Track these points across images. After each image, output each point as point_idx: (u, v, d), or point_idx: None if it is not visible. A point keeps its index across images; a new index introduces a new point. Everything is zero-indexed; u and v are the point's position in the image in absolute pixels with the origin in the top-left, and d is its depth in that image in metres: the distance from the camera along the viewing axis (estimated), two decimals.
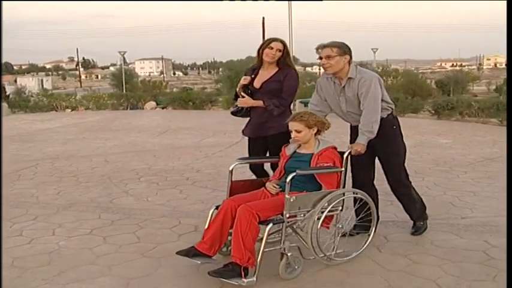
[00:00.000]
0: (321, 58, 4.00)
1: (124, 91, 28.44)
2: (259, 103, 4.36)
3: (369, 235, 4.03)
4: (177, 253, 3.60)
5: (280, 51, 4.30)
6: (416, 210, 4.43)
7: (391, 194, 4.49)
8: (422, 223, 4.44)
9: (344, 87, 4.04)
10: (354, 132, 4.20)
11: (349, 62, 4.00)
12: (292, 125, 3.79)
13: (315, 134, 3.81)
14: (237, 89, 4.51)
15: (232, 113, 4.60)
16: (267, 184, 3.82)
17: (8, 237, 4.54)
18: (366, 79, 3.96)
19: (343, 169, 3.74)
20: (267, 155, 4.49)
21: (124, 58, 41.94)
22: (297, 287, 3.44)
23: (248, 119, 4.59)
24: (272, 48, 4.28)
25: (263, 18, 41.61)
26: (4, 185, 6.58)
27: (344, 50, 3.95)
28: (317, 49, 4.02)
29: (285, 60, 4.34)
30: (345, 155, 3.80)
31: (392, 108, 4.18)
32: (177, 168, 7.58)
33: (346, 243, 3.88)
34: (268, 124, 4.37)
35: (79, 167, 7.69)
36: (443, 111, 14.05)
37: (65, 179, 6.90)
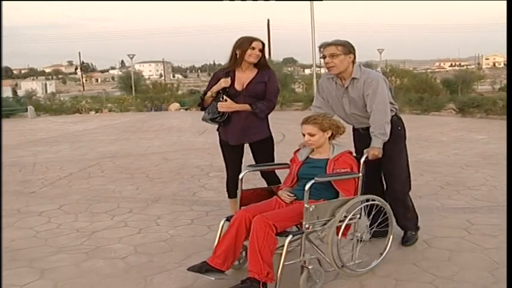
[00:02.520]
0: (324, 57, 3.78)
1: (133, 94, 28.76)
2: (246, 107, 4.01)
3: (388, 240, 3.80)
4: (189, 269, 3.36)
5: (260, 51, 3.99)
6: (411, 219, 4.17)
7: None
8: (414, 233, 4.17)
9: (347, 88, 3.83)
10: (358, 135, 4.02)
11: (353, 62, 3.81)
12: (305, 128, 3.55)
13: (329, 138, 3.59)
14: (210, 92, 4.08)
15: (210, 120, 4.09)
16: (280, 193, 3.58)
17: (116, 228, 4.83)
18: (373, 79, 3.74)
19: (360, 175, 3.50)
20: (253, 162, 4.16)
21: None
22: None
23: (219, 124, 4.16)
24: (254, 49, 3.97)
25: (268, 20, 41.99)
26: (76, 180, 6.89)
27: (349, 48, 3.76)
28: (320, 47, 3.82)
29: (263, 60, 4.05)
30: (362, 160, 3.56)
31: (396, 109, 3.97)
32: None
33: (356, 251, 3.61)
34: (252, 130, 4.07)
35: (142, 165, 7.99)
36: (468, 109, 14.39)
37: (136, 175, 7.20)
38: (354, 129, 4.08)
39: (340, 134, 3.65)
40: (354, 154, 3.71)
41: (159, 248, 4.24)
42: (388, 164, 3.92)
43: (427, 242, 4.19)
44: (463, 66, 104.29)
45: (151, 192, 6.17)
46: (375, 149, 3.65)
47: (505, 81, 46.50)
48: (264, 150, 4.11)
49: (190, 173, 7.25)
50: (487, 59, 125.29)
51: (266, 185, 4.08)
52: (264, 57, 4.07)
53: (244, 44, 3.98)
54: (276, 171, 4.14)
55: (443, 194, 5.85)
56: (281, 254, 3.11)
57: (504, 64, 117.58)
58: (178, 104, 19.47)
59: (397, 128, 3.92)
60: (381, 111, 3.72)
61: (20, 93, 38.11)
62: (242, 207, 3.53)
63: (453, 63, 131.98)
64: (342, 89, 3.85)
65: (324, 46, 3.78)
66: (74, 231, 4.76)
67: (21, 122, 17.23)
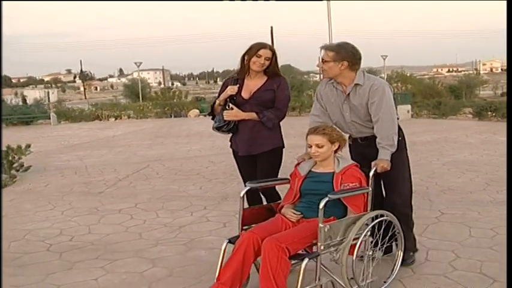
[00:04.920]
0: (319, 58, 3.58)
1: (140, 101, 29.14)
2: (252, 115, 3.82)
3: (398, 256, 3.59)
4: None
5: (268, 59, 3.80)
6: (410, 239, 3.82)
7: None
8: (412, 254, 3.85)
9: (349, 94, 3.58)
10: (355, 145, 3.78)
11: (354, 68, 3.53)
12: (313, 139, 3.32)
13: (334, 151, 3.38)
14: (218, 101, 3.97)
15: (216, 128, 3.97)
16: (285, 211, 3.33)
17: (201, 223, 5.14)
18: (378, 86, 3.51)
19: (371, 189, 3.30)
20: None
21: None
22: None
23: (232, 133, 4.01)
24: (260, 57, 3.78)
25: (271, 27, 42.47)
26: (137, 182, 7.23)
27: (342, 55, 3.47)
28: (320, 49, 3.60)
29: (273, 68, 3.86)
30: (371, 174, 3.35)
31: (397, 118, 3.69)
32: (289, 166, 8.21)
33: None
34: (260, 140, 3.86)
35: (192, 167, 8.32)
36: (486, 113, 14.81)
37: (192, 177, 7.53)
38: (350, 138, 3.80)
39: (344, 147, 3.47)
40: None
41: None
42: (388, 176, 3.59)
43: (495, 230, 4.54)
44: (460, 71, 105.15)
45: (216, 191, 6.50)
46: (384, 162, 3.43)
47: (505, 86, 47.27)
48: (269, 162, 3.88)
49: None
50: (484, 64, 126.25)
51: (265, 201, 3.90)
52: (275, 64, 3.87)
53: (251, 50, 3.81)
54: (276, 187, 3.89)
55: (491, 189, 6.19)
56: (297, 280, 2.88)
57: (502, 69, 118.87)
58: (197, 111, 19.84)
59: (399, 138, 3.65)
60: (388, 121, 3.49)
61: (29, 101, 38.43)
62: (245, 228, 3.32)
63: (450, 69, 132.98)
64: (343, 96, 3.62)
65: (320, 48, 3.57)
66: (162, 226, 5.09)
67: (45, 128, 17.56)
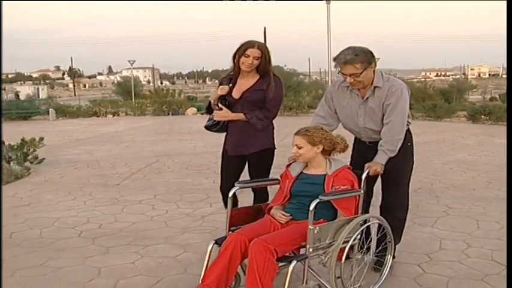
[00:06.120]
0: (343, 74, 3.37)
1: (133, 99, 29.24)
2: (240, 116, 3.79)
3: (387, 260, 3.53)
4: None
5: (257, 59, 3.70)
6: (399, 236, 3.79)
7: None
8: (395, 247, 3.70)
9: (367, 98, 3.46)
10: (360, 146, 3.66)
11: (374, 68, 3.42)
12: (295, 139, 3.29)
13: (324, 154, 3.30)
14: (212, 101, 3.95)
15: (205, 128, 4.02)
16: (274, 212, 3.27)
17: (222, 213, 5.17)
18: (397, 88, 3.39)
19: (362, 192, 3.24)
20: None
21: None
22: None
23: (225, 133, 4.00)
24: (248, 56, 3.69)
25: (264, 28, 42.75)
26: (151, 175, 7.45)
27: (368, 58, 3.33)
28: (335, 64, 3.38)
29: (264, 67, 3.76)
30: (363, 176, 3.28)
31: (409, 123, 3.60)
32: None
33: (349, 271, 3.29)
34: (249, 140, 3.83)
35: (201, 162, 8.55)
36: (479, 116, 15.20)
37: (204, 171, 7.76)
38: (357, 140, 3.75)
39: (339, 152, 3.36)
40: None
41: None
42: (390, 179, 3.54)
43: (500, 223, 4.84)
44: (448, 76, 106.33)
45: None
46: (378, 165, 3.33)
47: (494, 91, 48.02)
48: (258, 163, 3.86)
49: None
50: (472, 69, 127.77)
51: (252, 201, 3.89)
52: (265, 63, 3.76)
53: (240, 49, 3.73)
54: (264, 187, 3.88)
55: (493, 187, 6.51)
56: (283, 283, 2.83)
57: (489, 74, 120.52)
58: (195, 109, 20.05)
59: (408, 143, 3.59)
60: (398, 125, 3.39)
61: (21, 97, 38.38)
62: (232, 228, 3.27)
63: (439, 73, 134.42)
64: (359, 100, 3.50)
65: (339, 65, 3.34)
66: (184, 215, 5.33)
67: (44, 123, 17.66)
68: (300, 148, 3.25)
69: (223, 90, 3.83)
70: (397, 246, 3.76)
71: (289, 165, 3.43)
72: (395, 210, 3.67)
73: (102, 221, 5.14)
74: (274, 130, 4.00)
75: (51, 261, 4.03)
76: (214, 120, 3.90)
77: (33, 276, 3.73)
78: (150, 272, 3.80)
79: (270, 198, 3.80)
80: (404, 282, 3.56)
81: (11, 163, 7.67)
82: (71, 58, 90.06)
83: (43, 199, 6.14)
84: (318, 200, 2.91)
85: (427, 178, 7.06)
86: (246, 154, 3.86)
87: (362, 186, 3.27)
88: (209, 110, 4.02)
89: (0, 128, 7.75)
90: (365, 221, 3.24)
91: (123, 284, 3.60)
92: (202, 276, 3.02)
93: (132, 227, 4.97)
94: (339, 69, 3.37)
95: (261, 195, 3.88)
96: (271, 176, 3.85)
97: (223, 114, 3.83)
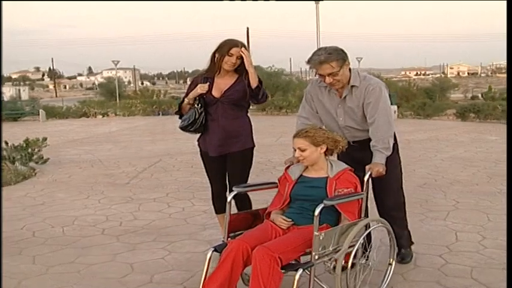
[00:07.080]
0: (320, 75, 3.33)
1: (117, 100, 29.21)
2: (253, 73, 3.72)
3: (390, 264, 3.49)
4: None
5: (240, 58, 3.70)
6: (405, 237, 3.84)
7: None
8: (409, 249, 3.88)
9: (345, 97, 3.43)
10: (346, 149, 3.41)
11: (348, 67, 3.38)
12: (296, 142, 3.18)
13: (327, 154, 3.23)
14: (187, 99, 3.82)
15: (181, 128, 3.86)
16: (275, 217, 3.16)
17: None
18: (375, 86, 3.37)
19: (365, 194, 3.18)
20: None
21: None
22: None
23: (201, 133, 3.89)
24: (232, 56, 3.68)
25: (247, 28, 42.89)
26: (158, 174, 7.51)
27: (342, 56, 3.29)
28: (310, 66, 3.33)
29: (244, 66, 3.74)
30: (366, 178, 3.20)
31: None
32: (280, 163, 8.61)
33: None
34: (234, 139, 3.78)
35: None
36: (468, 114, 15.54)
37: None
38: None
39: (340, 149, 3.29)
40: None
41: None
42: (382, 180, 3.41)
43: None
44: (428, 75, 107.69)
45: None
46: (379, 166, 3.27)
47: (475, 89, 48.90)
48: (240, 163, 3.82)
49: (261, 167, 7.87)
50: (451, 68, 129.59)
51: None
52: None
53: (223, 49, 3.71)
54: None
55: (495, 182, 6.70)
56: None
57: (468, 73, 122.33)
58: None
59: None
60: (384, 123, 3.35)
61: (5, 98, 37.87)
62: (231, 235, 3.17)
63: (418, 72, 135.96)
64: (337, 99, 3.47)
65: (315, 66, 3.29)
66: (201, 212, 5.42)
67: (35, 124, 17.53)
68: (303, 151, 3.15)
69: (203, 88, 3.76)
70: (413, 241, 3.91)
71: (287, 168, 3.35)
72: (392, 210, 3.69)
73: (122, 219, 5.21)
74: (254, 129, 3.98)
75: (81, 258, 4.10)
76: (190, 120, 3.78)
77: (67, 273, 3.80)
78: (182, 266, 3.90)
79: (254, 204, 3.86)
80: (430, 272, 3.71)
81: (16, 163, 7.66)
82: (52, 59, 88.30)
83: (56, 198, 6.18)
84: (322, 205, 2.82)
85: (430, 174, 7.25)
86: (226, 153, 3.82)
87: (364, 188, 3.20)
88: (180, 110, 3.90)
89: (0, 128, 7.75)
90: (369, 225, 3.21)
91: (159, 278, 3.69)
92: (201, 286, 2.92)
93: (153, 224, 5.05)
94: (315, 70, 3.33)
95: (243, 202, 3.84)
96: (269, 179, 3.84)
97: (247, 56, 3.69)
